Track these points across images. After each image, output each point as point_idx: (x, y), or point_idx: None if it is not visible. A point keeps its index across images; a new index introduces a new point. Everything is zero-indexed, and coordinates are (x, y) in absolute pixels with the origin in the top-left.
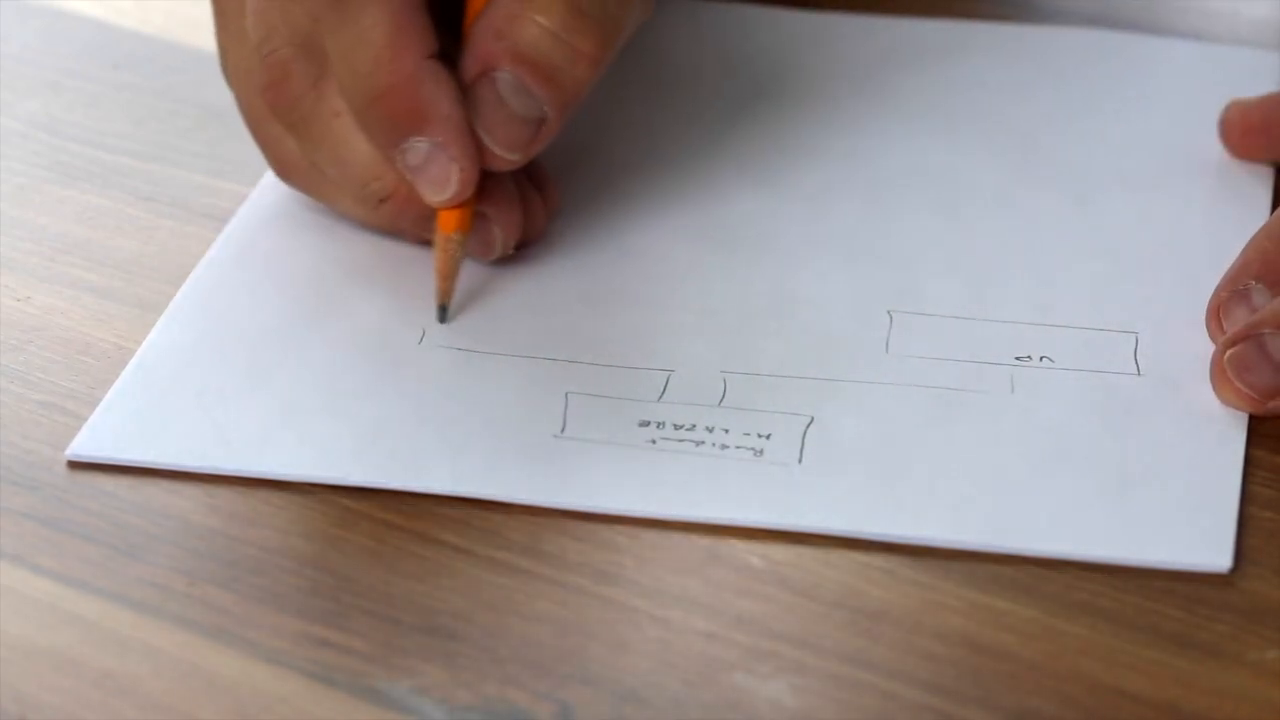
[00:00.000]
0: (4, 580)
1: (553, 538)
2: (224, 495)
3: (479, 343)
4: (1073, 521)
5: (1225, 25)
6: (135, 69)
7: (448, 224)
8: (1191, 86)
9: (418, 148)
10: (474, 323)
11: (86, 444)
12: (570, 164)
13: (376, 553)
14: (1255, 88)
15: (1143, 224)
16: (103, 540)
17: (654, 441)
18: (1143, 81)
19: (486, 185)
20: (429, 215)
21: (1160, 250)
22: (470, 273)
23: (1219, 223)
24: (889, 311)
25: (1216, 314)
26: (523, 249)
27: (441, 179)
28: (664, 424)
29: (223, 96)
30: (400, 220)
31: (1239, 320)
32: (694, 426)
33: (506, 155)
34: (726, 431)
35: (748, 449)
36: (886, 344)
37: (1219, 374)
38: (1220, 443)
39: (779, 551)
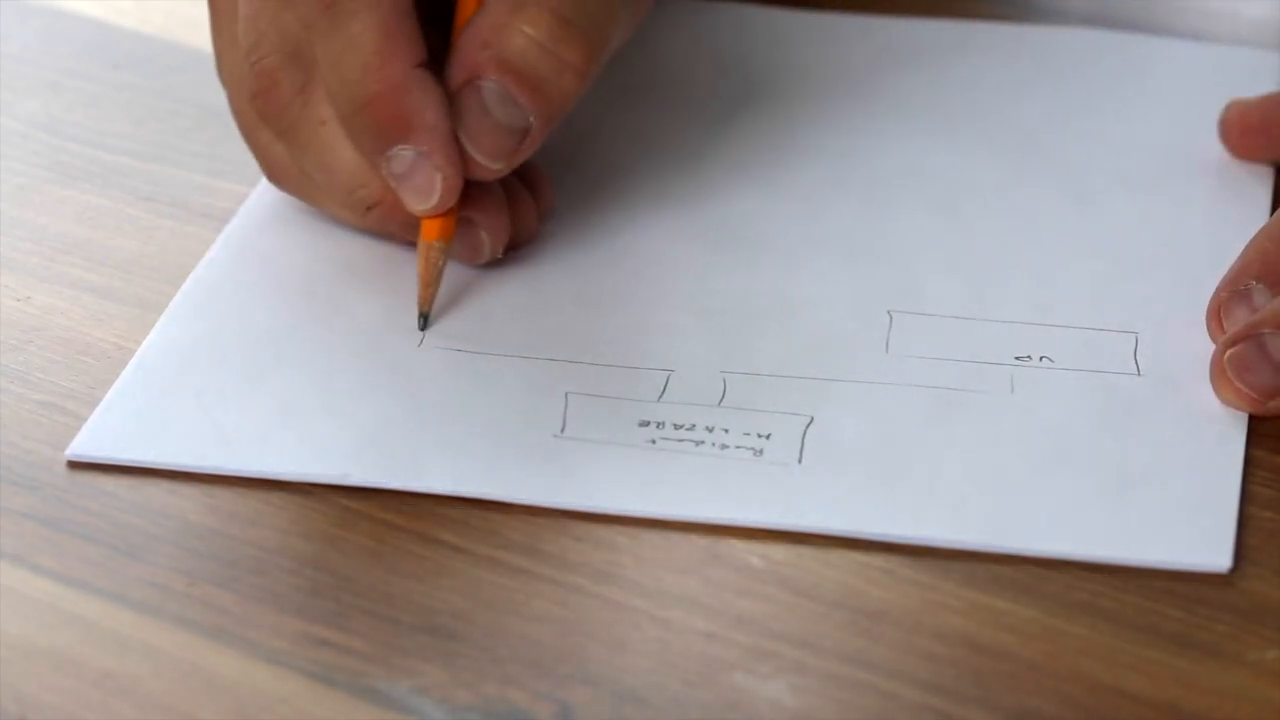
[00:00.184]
0: (4, 580)
1: (553, 538)
2: (224, 495)
3: (478, 343)
4: (1073, 521)
5: (1225, 25)
6: (135, 69)
7: (430, 232)
8: (1191, 86)
9: (402, 156)
10: (474, 323)
11: (86, 444)
12: (567, 164)
13: (376, 553)
14: (1255, 88)
15: (1143, 224)
16: (103, 540)
17: (654, 441)
18: (1142, 81)
19: (472, 191)
20: (416, 221)
21: (1160, 250)
22: (469, 273)
23: (1219, 223)
24: (889, 311)
25: (1217, 314)
26: (514, 251)
27: (425, 188)
28: (664, 424)
29: (222, 97)
30: (388, 225)
31: (1239, 320)
32: (694, 426)
33: (490, 164)
34: (726, 431)
35: (747, 449)
36: (886, 344)
37: (1219, 374)
38: (1220, 443)
39: (779, 551)
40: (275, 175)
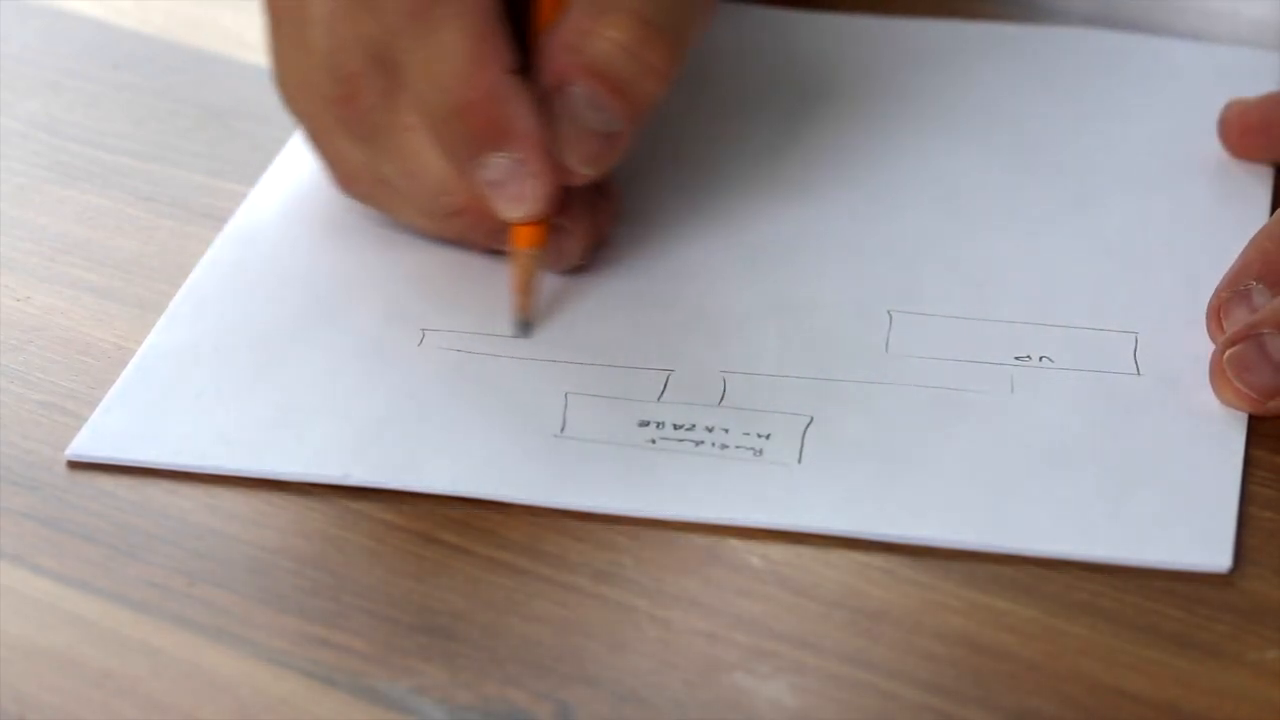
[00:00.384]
0: (4, 580)
1: (553, 538)
2: (224, 495)
3: (478, 343)
4: (1073, 521)
5: (1225, 25)
6: (135, 69)
7: (523, 239)
8: (1191, 86)
9: (497, 163)
10: (474, 323)
11: (86, 444)
12: None
13: (376, 553)
14: (1255, 88)
15: (1143, 224)
16: (103, 540)
17: (654, 441)
18: (1142, 81)
19: (560, 197)
20: (501, 228)
21: (1160, 250)
22: (469, 274)
23: (1219, 223)
24: (889, 311)
25: (1217, 314)
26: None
27: (520, 195)
28: (664, 424)
29: (222, 96)
30: (471, 233)
31: (1239, 320)
32: (694, 426)
33: (581, 170)
34: (726, 431)
35: (747, 449)
36: (886, 344)
37: (1218, 374)
38: (1220, 443)
39: (779, 551)
40: (347, 182)
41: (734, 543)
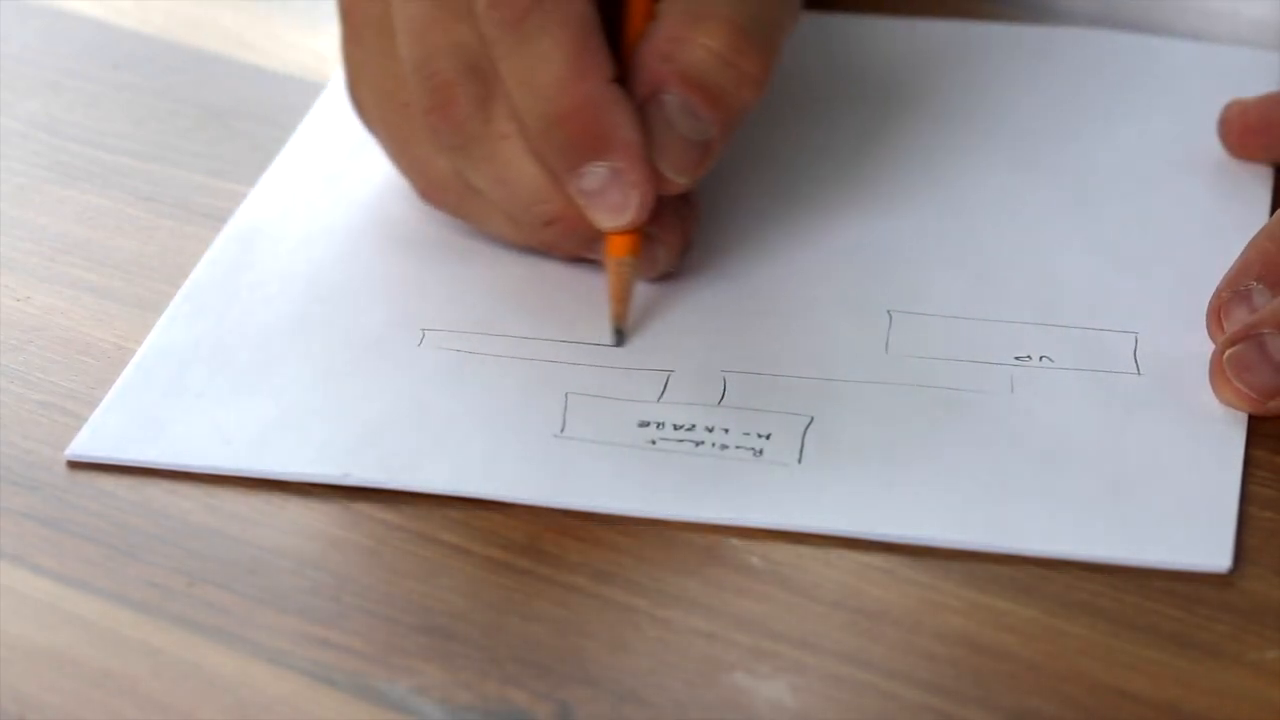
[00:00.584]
0: (4, 580)
1: (552, 538)
2: (224, 495)
3: (478, 343)
4: (1073, 521)
5: (1225, 25)
6: (135, 69)
7: (619, 248)
8: (1191, 86)
9: (596, 172)
10: (474, 323)
11: (86, 444)
12: None
13: (376, 553)
14: (1255, 88)
15: (1143, 224)
16: (103, 540)
17: (654, 442)
18: (1143, 81)
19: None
20: (594, 237)
21: (1160, 250)
22: (470, 274)
23: (1219, 223)
24: (889, 311)
25: (1217, 314)
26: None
27: (619, 205)
28: (664, 424)
29: (222, 96)
30: (563, 242)
31: (1239, 321)
32: (694, 427)
33: (677, 178)
34: (726, 431)
35: (747, 449)
36: (886, 344)
37: (1218, 374)
38: (1220, 443)
39: (779, 551)
40: (432, 192)
41: (734, 543)
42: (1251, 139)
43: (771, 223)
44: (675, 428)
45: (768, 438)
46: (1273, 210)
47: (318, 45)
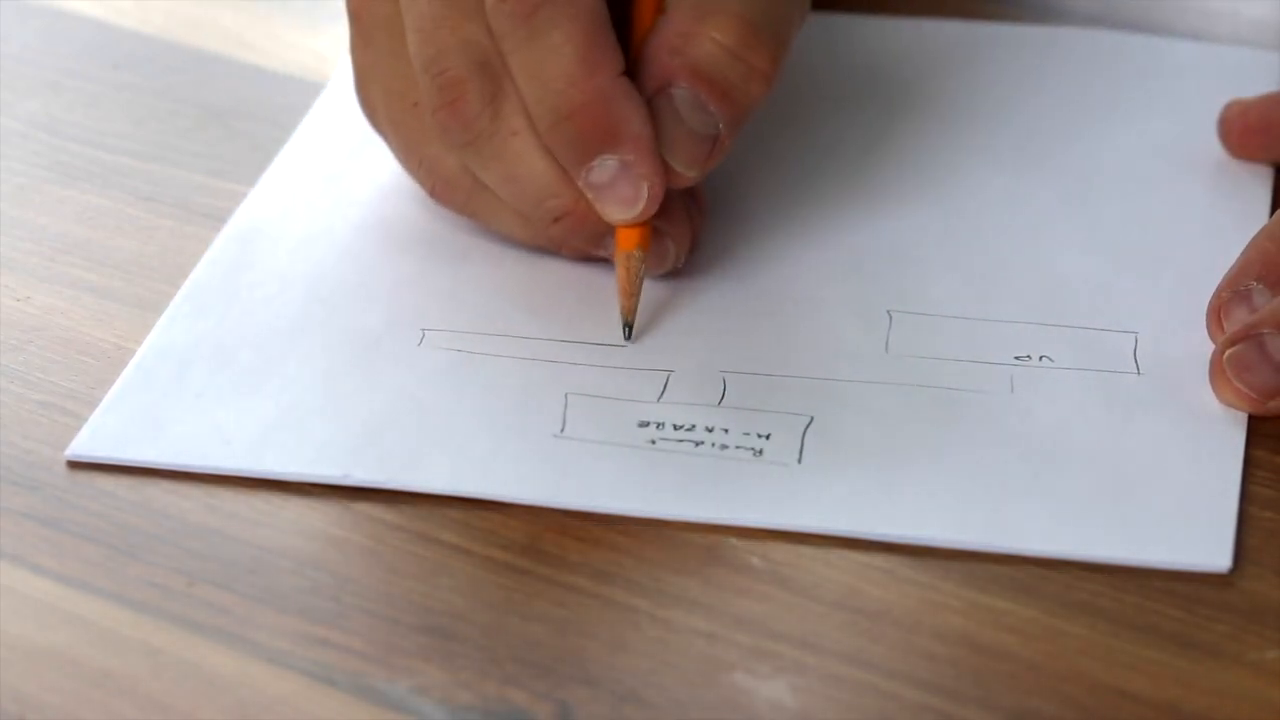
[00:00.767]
0: (4, 580)
1: (553, 538)
2: (224, 495)
3: (478, 343)
4: (1073, 521)
5: (1225, 25)
6: (135, 69)
7: (629, 241)
8: (1191, 86)
9: (606, 165)
10: (474, 323)
11: (86, 444)
12: None
13: (376, 553)
14: (1255, 88)
15: (1142, 224)
16: (103, 540)
17: (654, 442)
18: (1142, 81)
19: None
20: (603, 232)
21: (1160, 250)
22: (469, 274)
23: (1219, 223)
24: (889, 311)
25: (1217, 314)
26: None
27: (629, 197)
28: (664, 424)
29: (222, 96)
30: (571, 238)
31: (1239, 321)
32: (694, 427)
33: (685, 172)
34: (726, 431)
35: (747, 449)
36: (886, 344)
37: (1218, 374)
38: (1220, 443)
39: (779, 551)
40: (441, 191)
41: (734, 543)
42: (1251, 139)
43: (772, 223)
44: (675, 428)
45: (768, 438)
46: (1273, 210)
47: (318, 45)
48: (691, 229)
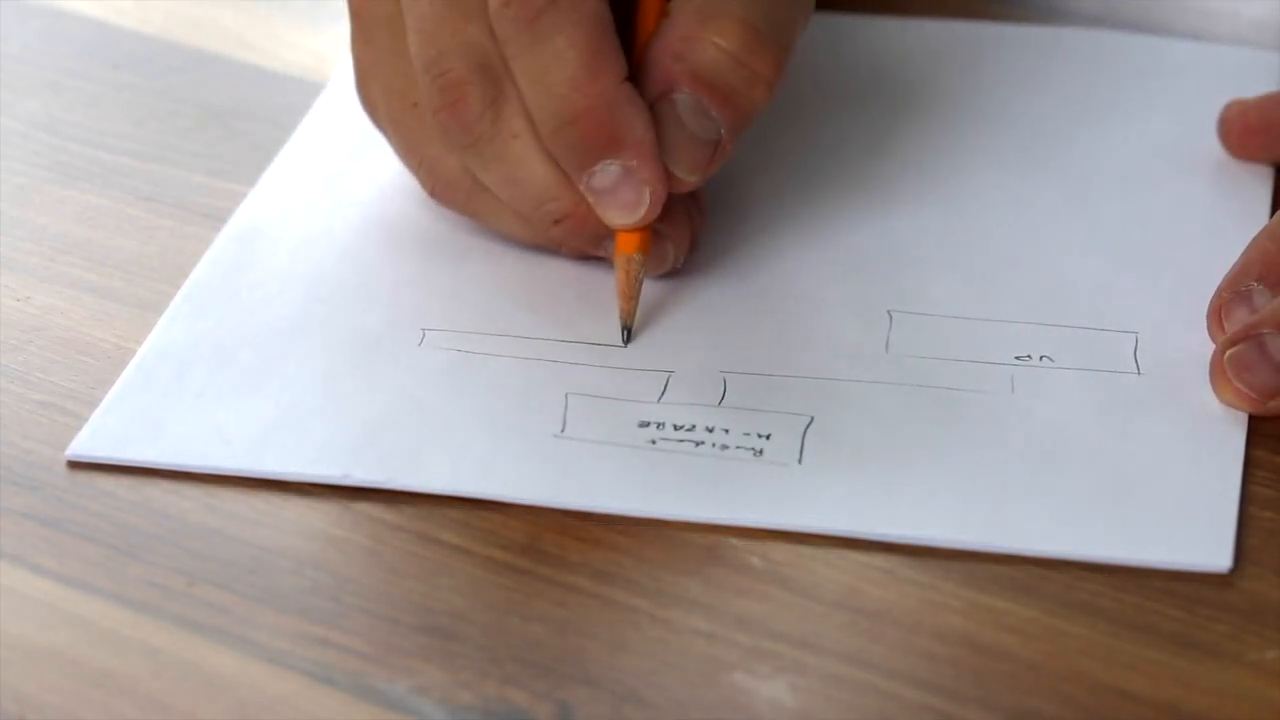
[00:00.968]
0: (4, 580)
1: (553, 538)
2: (224, 495)
3: (478, 343)
4: (1073, 521)
5: (1225, 25)
6: (135, 69)
7: (629, 245)
8: (1191, 86)
9: (608, 170)
10: (474, 323)
11: (86, 444)
12: None
13: (376, 553)
14: (1255, 88)
15: (1143, 224)
16: (103, 540)
17: (654, 442)
18: (1143, 81)
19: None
20: (603, 235)
21: (1160, 250)
22: (469, 274)
23: (1219, 223)
24: (889, 311)
25: (1218, 315)
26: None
27: (632, 202)
28: (664, 424)
29: (222, 96)
30: (572, 240)
31: (1240, 321)
32: (694, 427)
33: (687, 177)
34: (726, 432)
35: (748, 449)
36: (887, 344)
37: (1219, 374)
38: (1220, 443)
39: (779, 551)
40: (441, 190)
41: (734, 543)
42: (1251, 139)
43: (772, 222)
44: (675, 428)
45: (768, 438)
46: (1273, 210)
47: (318, 45)
48: (691, 230)
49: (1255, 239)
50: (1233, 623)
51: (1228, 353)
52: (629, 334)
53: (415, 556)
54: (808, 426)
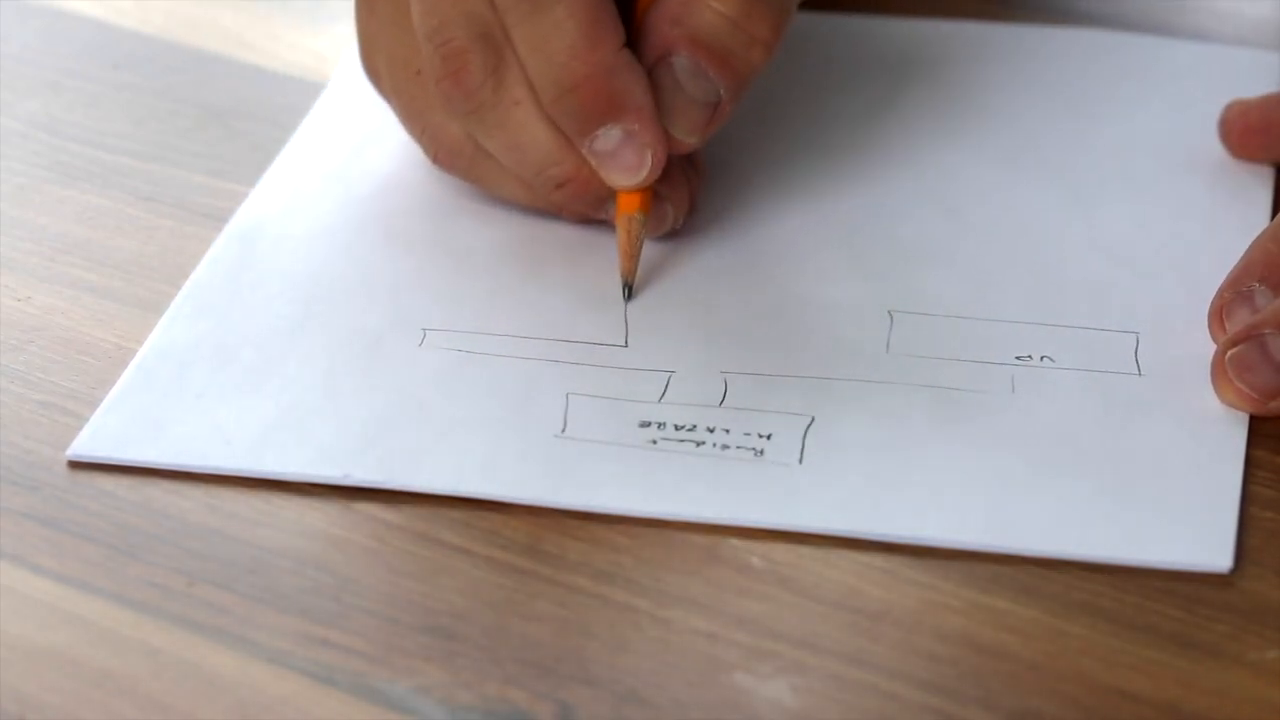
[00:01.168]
0: (4, 580)
1: (553, 538)
2: (224, 495)
3: (478, 343)
4: (1073, 521)
5: (1226, 25)
6: (135, 69)
7: (630, 205)
8: (1191, 86)
9: (610, 134)
10: (474, 323)
11: (87, 444)
12: None
13: (376, 553)
14: (1255, 88)
15: (1143, 224)
16: (103, 540)
17: (655, 442)
18: (1143, 81)
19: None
20: (604, 197)
21: (1161, 250)
22: (470, 274)
23: (1219, 223)
24: (889, 311)
25: (1219, 315)
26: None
27: (634, 164)
28: (664, 424)
29: (222, 96)
30: (573, 204)
31: (1241, 321)
32: (695, 427)
33: (685, 139)
34: (727, 432)
35: (748, 449)
36: (887, 344)
37: (1220, 374)
38: (1220, 443)
39: (779, 551)
40: (444, 157)
41: (734, 543)
42: (1252, 139)
43: (773, 223)
44: (676, 428)
45: (768, 438)
46: (1274, 210)
47: (318, 45)
48: (690, 192)
49: (1257, 240)
50: (1233, 623)
51: (1229, 353)
52: (629, 290)
53: (416, 556)
54: (808, 427)
